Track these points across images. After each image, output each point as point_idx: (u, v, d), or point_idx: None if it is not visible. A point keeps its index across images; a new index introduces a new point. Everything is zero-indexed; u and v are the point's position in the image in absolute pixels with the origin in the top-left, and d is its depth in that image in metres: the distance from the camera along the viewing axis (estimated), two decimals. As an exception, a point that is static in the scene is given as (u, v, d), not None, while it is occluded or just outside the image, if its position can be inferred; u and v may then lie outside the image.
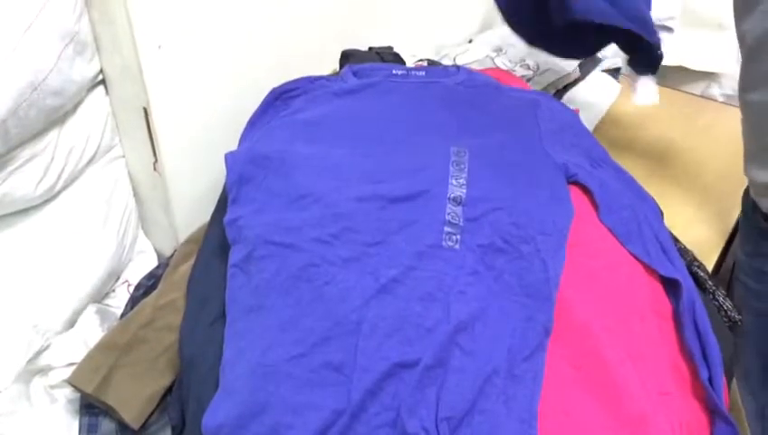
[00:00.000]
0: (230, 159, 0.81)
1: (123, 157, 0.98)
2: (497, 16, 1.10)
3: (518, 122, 0.91)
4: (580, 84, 1.46)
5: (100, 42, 0.87)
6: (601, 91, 1.49)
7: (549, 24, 1.01)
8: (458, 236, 0.71)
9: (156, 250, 1.04)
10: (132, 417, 0.72)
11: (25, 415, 0.77)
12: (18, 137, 0.78)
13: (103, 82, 0.91)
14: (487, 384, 0.62)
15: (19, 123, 0.76)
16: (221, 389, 0.63)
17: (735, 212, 1.17)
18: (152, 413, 0.75)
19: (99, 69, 0.89)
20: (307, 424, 0.58)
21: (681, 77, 1.53)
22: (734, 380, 0.79)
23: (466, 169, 0.77)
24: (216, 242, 0.80)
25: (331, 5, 1.12)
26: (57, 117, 0.85)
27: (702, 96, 1.53)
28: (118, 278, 0.97)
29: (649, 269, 0.76)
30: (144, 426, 0.74)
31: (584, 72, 1.48)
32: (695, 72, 1.51)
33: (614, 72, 1.55)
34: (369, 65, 1.01)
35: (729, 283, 1.02)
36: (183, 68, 0.89)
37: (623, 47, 1.07)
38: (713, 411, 0.68)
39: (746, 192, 0.97)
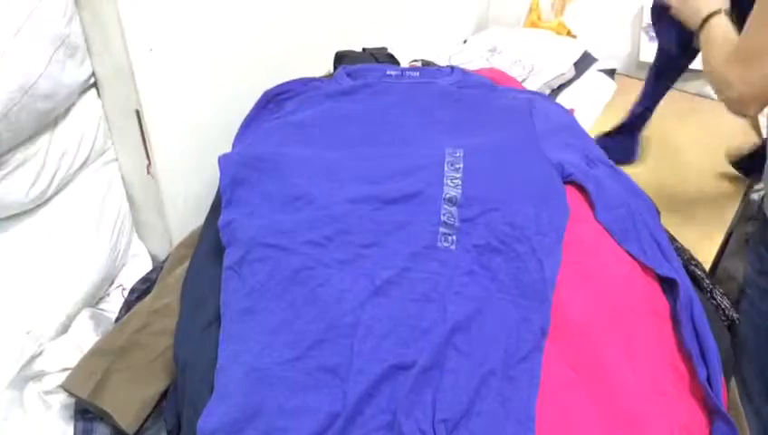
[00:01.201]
0: (223, 161, 0.80)
1: (116, 160, 0.97)
2: (492, 17, 1.10)
3: (513, 122, 0.91)
4: (576, 83, 1.46)
5: (92, 44, 0.86)
6: (597, 90, 1.49)
7: None
8: (454, 237, 0.71)
9: (150, 254, 1.03)
10: (128, 422, 0.72)
11: (19, 421, 0.76)
12: (9, 141, 0.78)
13: (95, 84, 0.91)
14: (484, 385, 0.61)
15: (9, 127, 0.76)
16: (215, 393, 0.63)
17: (732, 210, 1.17)
18: (147, 418, 0.74)
19: (90, 72, 0.88)
20: (302, 428, 0.58)
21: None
22: (733, 379, 0.78)
23: (461, 170, 0.77)
24: (210, 245, 0.79)
25: (325, 7, 1.12)
26: (48, 121, 0.84)
27: (697, 94, 1.53)
28: (112, 282, 0.96)
29: (646, 268, 0.76)
30: (139, 431, 0.74)
31: (579, 71, 1.47)
32: (690, 70, 1.51)
33: (609, 72, 1.55)
34: (363, 66, 1.01)
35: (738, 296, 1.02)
36: (175, 70, 0.88)
37: None
38: (711, 411, 0.68)
39: (759, 206, 0.96)
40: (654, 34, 1.58)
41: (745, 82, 0.79)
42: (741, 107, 0.83)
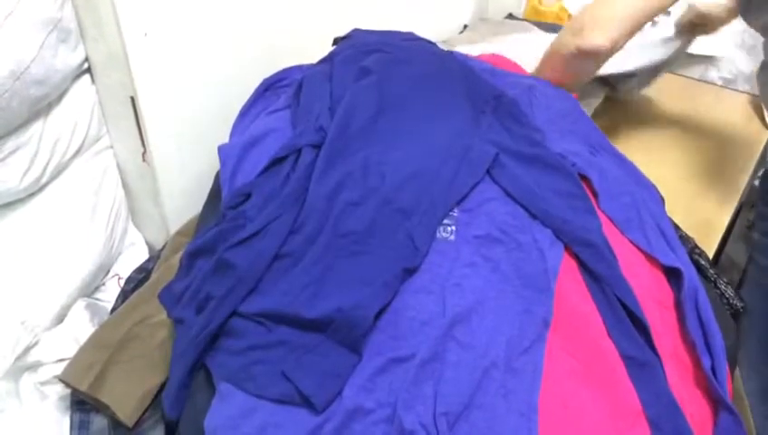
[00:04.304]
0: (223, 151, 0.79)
1: (111, 147, 0.96)
2: (492, 1, 1.08)
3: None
4: (578, 69, 1.44)
5: (85, 29, 0.84)
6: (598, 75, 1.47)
7: None
8: (453, 228, 0.70)
9: (147, 242, 1.02)
10: (127, 414, 0.71)
11: (15, 413, 0.75)
12: (1, 128, 0.77)
13: (89, 70, 0.89)
14: (486, 378, 0.60)
15: (1, 114, 0.75)
16: (217, 391, 0.62)
17: (736, 196, 1.15)
18: (146, 409, 0.74)
19: (84, 57, 0.87)
20: (298, 424, 0.57)
21: (679, 61, 1.52)
22: (738, 368, 0.77)
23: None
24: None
25: (323, -6, 1.10)
26: (41, 107, 0.83)
27: (700, 80, 1.51)
28: (108, 272, 0.95)
29: (650, 258, 0.74)
30: (138, 422, 0.73)
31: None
32: (693, 55, 1.49)
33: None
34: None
35: (742, 278, 1.02)
36: (170, 56, 0.87)
37: None
38: (716, 401, 0.67)
39: (765, 173, 0.97)
40: (656, 19, 1.57)
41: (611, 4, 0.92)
42: (597, 34, 0.92)
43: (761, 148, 1.29)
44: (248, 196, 0.73)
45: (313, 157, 0.74)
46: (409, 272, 0.65)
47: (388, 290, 0.63)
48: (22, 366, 0.78)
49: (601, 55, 0.95)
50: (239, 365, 0.61)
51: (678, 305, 0.72)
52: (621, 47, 0.95)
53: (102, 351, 0.73)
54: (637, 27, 0.92)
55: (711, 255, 0.94)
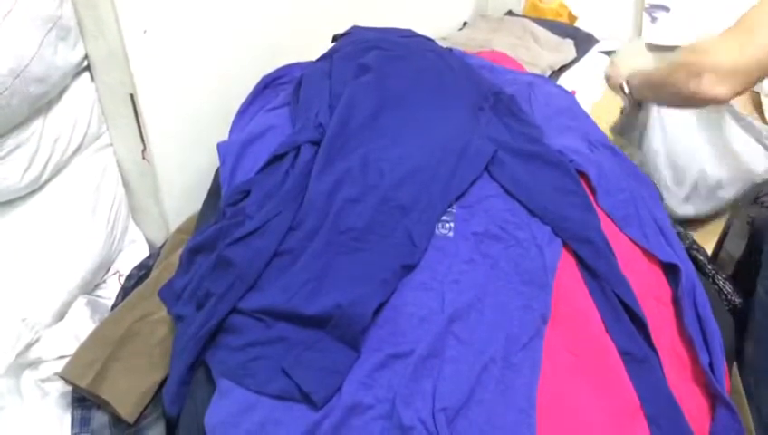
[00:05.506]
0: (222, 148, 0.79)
1: (111, 145, 0.96)
2: (490, 0, 1.08)
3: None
4: (577, 65, 1.44)
5: (84, 26, 0.84)
6: (598, 71, 1.47)
7: None
8: (452, 224, 0.70)
9: (147, 239, 1.02)
10: (127, 411, 0.71)
11: (16, 410, 0.75)
12: (1, 126, 0.77)
13: (88, 68, 0.89)
14: (484, 373, 0.60)
15: (1, 112, 0.75)
16: (217, 388, 0.62)
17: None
18: (147, 406, 0.74)
19: (83, 55, 0.87)
20: (297, 419, 0.57)
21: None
22: (735, 364, 0.77)
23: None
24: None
25: (323, -11, 1.10)
26: (41, 105, 0.83)
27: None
28: (108, 269, 0.95)
29: (648, 254, 0.75)
30: (138, 419, 0.73)
31: (581, 52, 1.46)
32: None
33: (611, 54, 1.53)
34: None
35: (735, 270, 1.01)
36: (169, 53, 0.87)
37: None
38: (713, 397, 0.67)
39: None
40: (656, 15, 1.57)
41: (743, 51, 0.78)
42: (720, 84, 0.80)
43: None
44: (247, 193, 0.73)
45: (312, 154, 0.74)
46: (408, 269, 0.65)
47: (386, 287, 0.63)
48: (23, 363, 0.78)
49: (719, 103, 0.86)
50: (239, 362, 0.61)
51: (676, 302, 0.72)
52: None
53: (103, 348, 0.73)
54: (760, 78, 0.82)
55: (709, 251, 0.94)
